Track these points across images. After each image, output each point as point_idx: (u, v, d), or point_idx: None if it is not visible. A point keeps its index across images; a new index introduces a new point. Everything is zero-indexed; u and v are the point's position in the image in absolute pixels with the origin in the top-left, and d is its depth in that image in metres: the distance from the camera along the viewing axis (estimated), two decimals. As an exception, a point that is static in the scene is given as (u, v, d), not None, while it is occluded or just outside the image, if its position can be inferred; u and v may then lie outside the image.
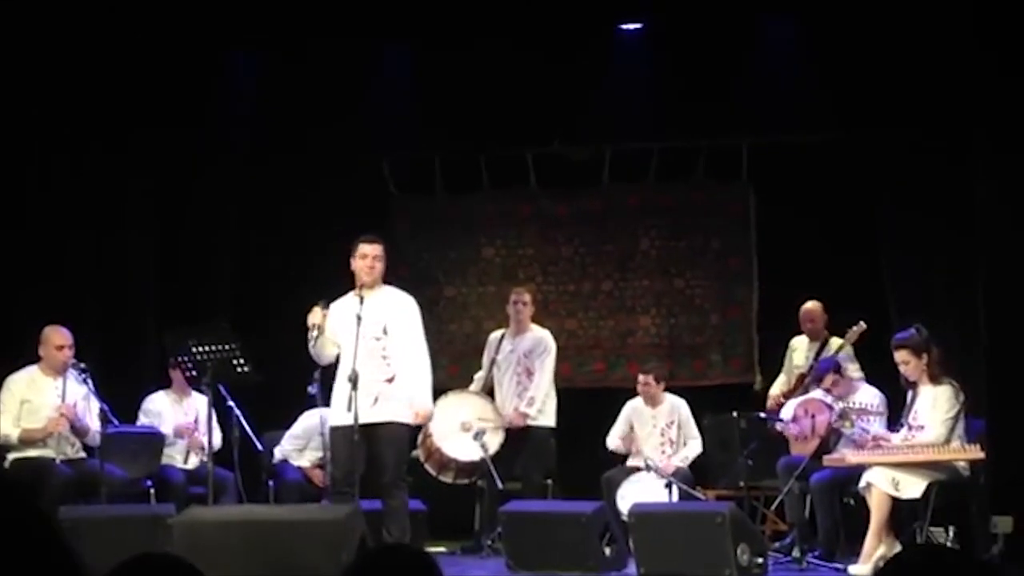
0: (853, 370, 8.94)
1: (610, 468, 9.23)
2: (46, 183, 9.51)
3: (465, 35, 9.94)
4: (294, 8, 9.70)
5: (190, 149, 10.29)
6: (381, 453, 7.30)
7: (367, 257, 7.45)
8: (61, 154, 9.57)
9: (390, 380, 7.37)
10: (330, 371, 7.65)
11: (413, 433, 7.92)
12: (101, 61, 9.60)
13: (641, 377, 9.37)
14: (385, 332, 7.39)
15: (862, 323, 9.02)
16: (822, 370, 8.67)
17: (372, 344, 7.32)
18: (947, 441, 7.64)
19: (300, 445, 9.24)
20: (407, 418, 7.42)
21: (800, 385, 9.23)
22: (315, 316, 7.36)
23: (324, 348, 7.45)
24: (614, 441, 9.38)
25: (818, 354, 9.22)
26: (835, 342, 9.22)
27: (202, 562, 2.49)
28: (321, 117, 10.24)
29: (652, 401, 9.34)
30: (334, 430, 7.44)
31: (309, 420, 9.03)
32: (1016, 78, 7.78)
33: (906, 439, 7.74)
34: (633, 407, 9.40)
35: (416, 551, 2.42)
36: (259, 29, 9.87)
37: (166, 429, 8.93)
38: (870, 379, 8.74)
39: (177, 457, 8.99)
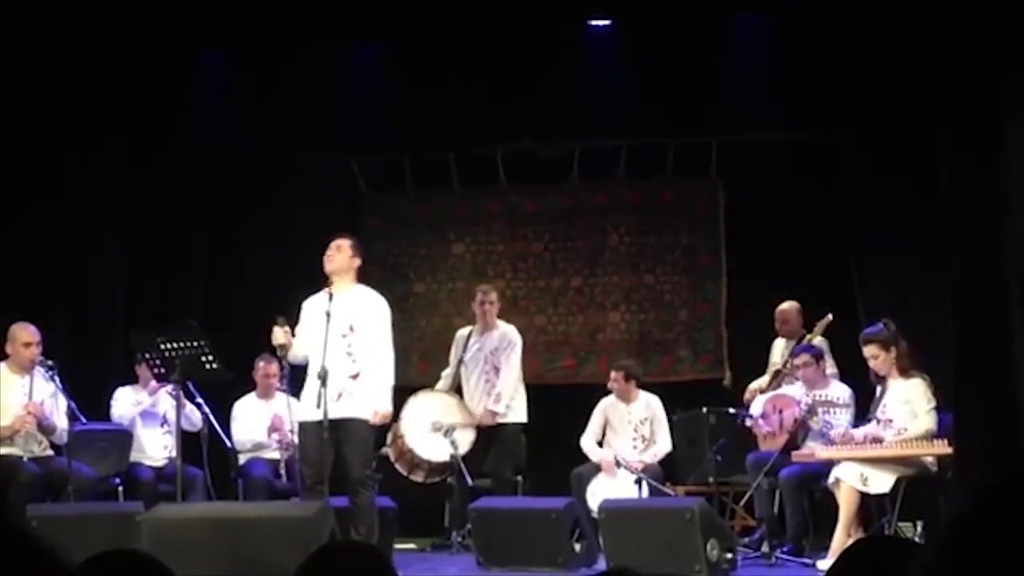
0: (828, 365, 8.96)
1: (580, 464, 9.24)
2: (15, 179, 9.43)
3: (434, 33, 9.92)
4: (264, 8, 9.65)
5: (160, 148, 10.25)
6: (345, 450, 7.35)
7: (328, 249, 7.56)
8: (31, 150, 9.49)
9: (355, 377, 7.44)
10: (298, 367, 7.69)
11: (377, 431, 7.92)
12: (75, 61, 9.54)
13: (612, 374, 9.37)
14: (352, 329, 7.45)
15: (829, 315, 9.07)
16: (798, 351, 8.72)
17: (339, 341, 7.39)
18: (937, 433, 7.69)
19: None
20: (370, 415, 7.46)
21: (774, 381, 9.26)
22: (278, 336, 7.46)
23: (296, 355, 7.58)
24: (590, 444, 9.30)
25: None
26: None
27: (171, 560, 2.49)
28: (291, 115, 10.22)
29: (626, 398, 9.34)
30: (303, 426, 7.49)
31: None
32: (987, 76, 7.82)
33: (899, 433, 7.77)
34: (608, 404, 9.39)
35: (369, 547, 2.42)
36: (229, 30, 9.82)
37: (128, 419, 8.91)
38: (839, 374, 8.78)
39: (154, 435, 8.94)
